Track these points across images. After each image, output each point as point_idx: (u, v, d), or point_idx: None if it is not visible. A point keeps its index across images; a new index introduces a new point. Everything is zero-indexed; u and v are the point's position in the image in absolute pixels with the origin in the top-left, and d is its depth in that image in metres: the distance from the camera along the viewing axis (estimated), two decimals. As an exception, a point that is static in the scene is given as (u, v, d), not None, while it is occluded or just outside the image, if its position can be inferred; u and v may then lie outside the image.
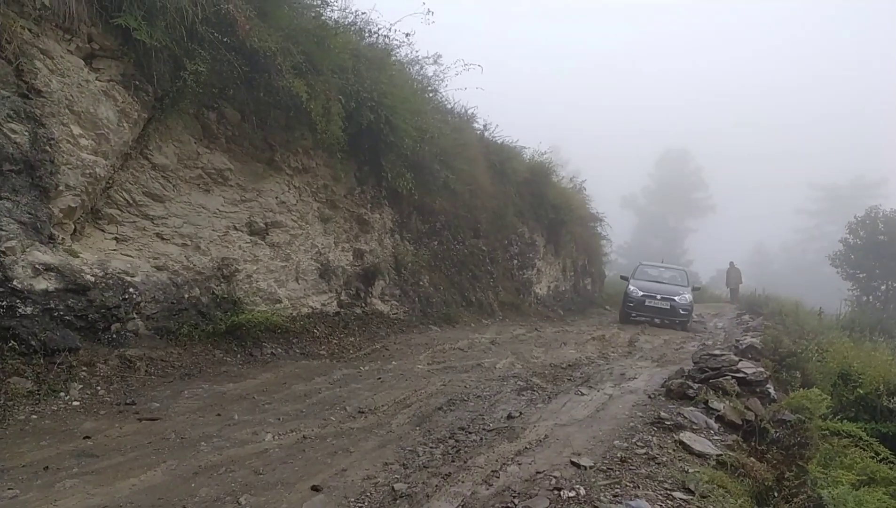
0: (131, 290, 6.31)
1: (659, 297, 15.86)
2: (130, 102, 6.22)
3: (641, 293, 16.04)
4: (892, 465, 5.21)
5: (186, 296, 7.03)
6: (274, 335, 7.75)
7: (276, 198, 8.43)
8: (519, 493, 3.87)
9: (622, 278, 18.99)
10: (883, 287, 33.47)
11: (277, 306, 8.29)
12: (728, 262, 28.73)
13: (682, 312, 15.64)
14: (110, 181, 6.30)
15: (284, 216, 8.58)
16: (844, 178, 65.93)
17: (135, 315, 6.38)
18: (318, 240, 9.34)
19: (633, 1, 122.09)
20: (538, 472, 4.22)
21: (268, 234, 8.30)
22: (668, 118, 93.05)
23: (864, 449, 5.32)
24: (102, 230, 6.33)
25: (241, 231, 7.89)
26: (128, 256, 6.49)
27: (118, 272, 6.24)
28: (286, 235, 8.64)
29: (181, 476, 3.91)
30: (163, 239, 6.87)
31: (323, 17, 8.78)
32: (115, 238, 6.44)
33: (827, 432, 5.42)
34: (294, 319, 8.43)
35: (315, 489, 3.89)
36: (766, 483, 4.69)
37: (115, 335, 6.10)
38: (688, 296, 16.11)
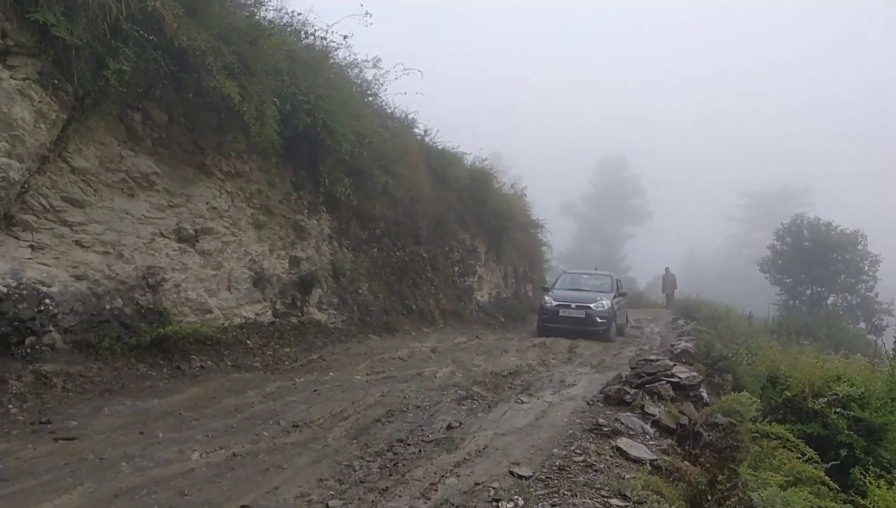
0: (47, 301, 5.96)
1: (574, 306, 14.74)
2: (48, 102, 5.84)
3: (555, 304, 14.97)
4: (816, 465, 5.40)
5: (108, 307, 6.65)
6: (204, 347, 7.44)
7: (207, 203, 8.10)
8: (457, 506, 3.82)
9: (543, 288, 17.57)
10: (808, 292, 35.24)
11: (208, 316, 7.95)
12: (664, 268, 29.63)
13: (598, 320, 14.49)
14: (26, 186, 5.90)
15: (216, 222, 8.26)
16: (772, 186, 69.25)
17: (51, 328, 6.00)
18: (251, 247, 9.03)
19: (567, 9, 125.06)
20: (477, 483, 4.18)
21: (198, 241, 7.96)
22: (607, 125, 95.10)
23: (791, 450, 5.50)
24: (17, 238, 5.92)
25: (169, 238, 7.53)
26: (44, 265, 6.10)
27: (33, 282, 5.89)
28: (217, 242, 8.31)
29: (99, 500, 3.70)
30: (83, 247, 6.48)
31: (257, 17, 8.54)
32: (31, 246, 6.03)
33: (757, 434, 5.58)
34: (226, 329, 8.12)
35: (244, 509, 3.73)
36: (700, 487, 4.77)
37: (29, 350, 5.74)
38: (606, 303, 14.92)
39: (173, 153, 7.52)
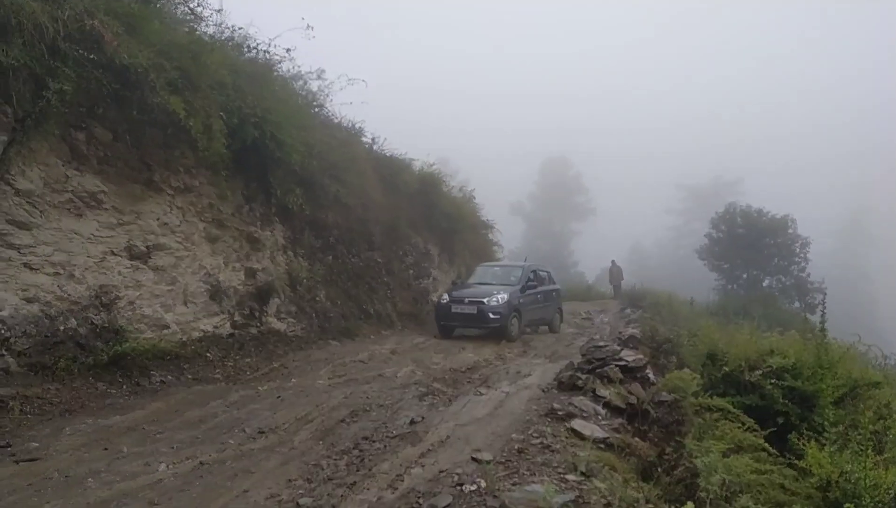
0: (-1, 325, 5.87)
1: (467, 301, 13.32)
2: (-13, 125, 5.80)
3: (447, 300, 13.60)
4: (756, 433, 5.78)
5: (62, 328, 6.58)
6: (163, 363, 7.41)
7: (158, 219, 8.07)
8: (423, 493, 4.00)
9: (453, 283, 16.32)
10: (744, 275, 36.93)
11: (165, 331, 7.92)
12: (610, 261, 30.48)
13: (492, 316, 12.89)
14: (-32, 210, 5.84)
15: (168, 238, 8.23)
16: (705, 178, 72.26)
17: (4, 352, 5.93)
18: (206, 261, 9.02)
19: (503, 12, 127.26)
20: (441, 471, 4.38)
21: (150, 257, 7.92)
22: (549, 126, 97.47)
23: (732, 421, 5.87)
24: (-38, 263, 5.85)
25: (120, 256, 7.49)
26: (-8, 289, 6.02)
27: (-18, 308, 5.81)
28: (171, 257, 8.28)
29: (68, 516, 3.71)
30: (32, 269, 6.40)
31: (197, 33, 8.56)
32: (-23, 272, 5.95)
33: (700, 407, 5.94)
34: (184, 344, 8.09)
35: (216, 513, 3.82)
36: (649, 459, 5.11)
37: (-19, 376, 5.66)
38: (502, 296, 13.20)
39: (120, 171, 7.49)
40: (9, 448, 4.81)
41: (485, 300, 13.08)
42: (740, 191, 61.30)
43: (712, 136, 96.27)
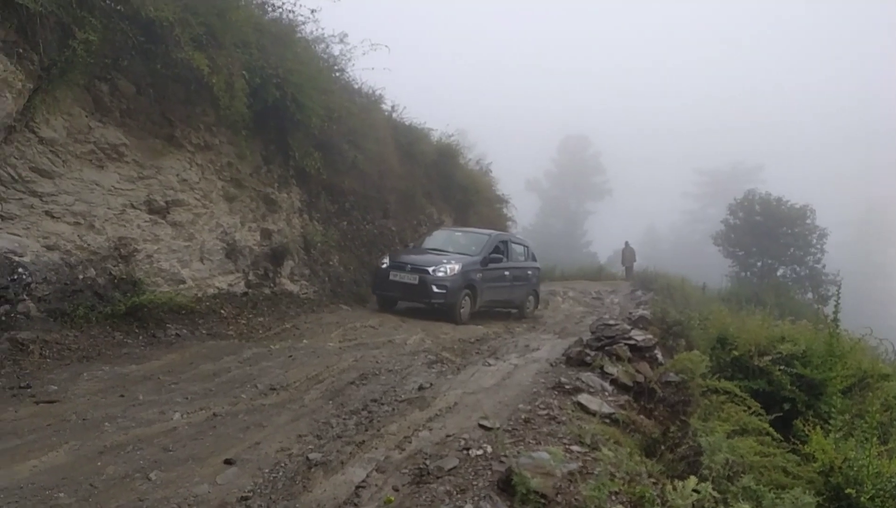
0: (21, 270, 5.99)
1: (408, 268, 11.11)
2: (13, 71, 5.81)
3: (386, 264, 11.43)
4: (761, 417, 5.79)
5: (81, 277, 6.71)
6: (178, 317, 7.54)
7: (177, 175, 8.13)
8: (430, 455, 4.08)
9: (406, 246, 13.98)
10: (759, 264, 36.68)
11: (181, 286, 8.04)
12: (623, 242, 30.37)
13: (435, 289, 10.81)
14: (-7, 155, 5.91)
15: (186, 194, 8.30)
16: (725, 163, 71.27)
17: (25, 297, 6.05)
18: (223, 219, 9.10)
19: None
20: (448, 435, 4.46)
21: (169, 212, 8.01)
22: (570, 104, 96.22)
23: (738, 404, 5.86)
24: (-15, 208, 5.94)
25: (140, 209, 7.57)
26: (15, 235, 6.12)
27: (5, 252, 5.92)
28: (189, 213, 8.37)
29: (85, 456, 3.84)
30: (53, 217, 6.51)
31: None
32: (1, 216, 6.04)
33: (706, 389, 5.94)
34: (199, 299, 8.22)
35: (228, 462, 3.93)
36: (654, 437, 5.16)
37: (4, 318, 5.79)
38: (452, 267, 11.07)
39: (142, 125, 7.53)
40: (29, 389, 4.96)
41: (429, 270, 10.96)
42: (760, 178, 60.53)
43: (733, 121, 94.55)
